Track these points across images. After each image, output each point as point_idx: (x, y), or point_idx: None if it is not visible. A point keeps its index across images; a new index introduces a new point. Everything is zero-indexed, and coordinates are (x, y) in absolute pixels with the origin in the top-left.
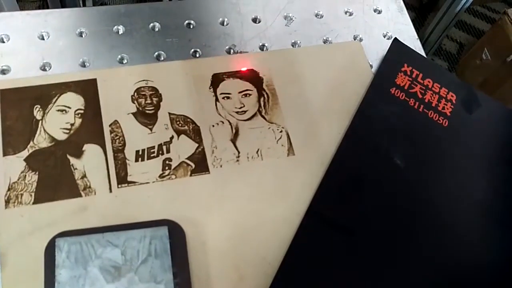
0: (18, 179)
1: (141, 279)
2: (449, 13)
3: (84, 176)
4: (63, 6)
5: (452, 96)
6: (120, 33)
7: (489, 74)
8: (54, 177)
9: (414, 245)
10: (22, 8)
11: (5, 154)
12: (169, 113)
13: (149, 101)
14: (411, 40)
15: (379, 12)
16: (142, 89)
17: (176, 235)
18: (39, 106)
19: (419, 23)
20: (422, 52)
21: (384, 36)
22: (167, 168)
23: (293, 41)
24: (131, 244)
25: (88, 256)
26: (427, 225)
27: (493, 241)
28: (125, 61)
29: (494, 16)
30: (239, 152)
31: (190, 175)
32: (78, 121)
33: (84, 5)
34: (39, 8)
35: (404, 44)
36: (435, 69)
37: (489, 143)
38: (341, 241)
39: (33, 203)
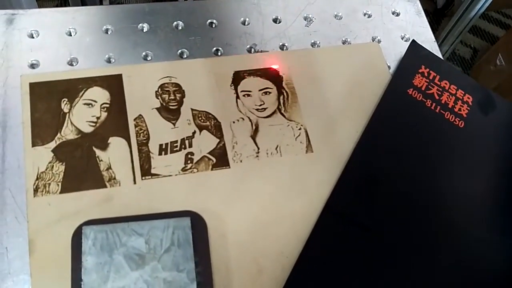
0: (46, 169)
1: (164, 267)
2: (464, 18)
3: (109, 167)
4: (83, 5)
5: (468, 98)
6: (144, 31)
7: (503, 79)
8: (80, 168)
9: (428, 243)
10: (41, 7)
11: (33, 145)
12: (192, 109)
13: (172, 97)
14: (429, 42)
15: (397, 14)
16: (166, 85)
17: (198, 226)
18: (66, 100)
19: (433, 28)
20: (439, 54)
21: (402, 38)
22: (189, 162)
23: (312, 41)
24: (155, 233)
25: (113, 244)
26: (441, 224)
27: (508, 241)
28: (149, 58)
29: (508, 22)
30: (258, 148)
31: (211, 169)
32: (104, 115)
33: (101, 3)
34: (57, 7)
35: (421, 46)
36: (452, 71)
37: (504, 144)
38: (357, 237)
39: (60, 193)
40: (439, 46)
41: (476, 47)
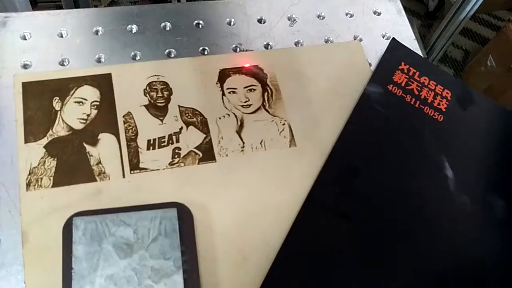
0: (38, 164)
1: (151, 255)
2: (454, 20)
3: (99, 162)
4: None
5: (447, 93)
6: (133, 31)
7: (494, 80)
8: (71, 163)
9: (409, 231)
10: None
11: (26, 141)
12: (179, 106)
13: (160, 95)
14: (409, 40)
15: (379, 14)
16: (154, 83)
17: (185, 217)
18: (57, 98)
19: (424, 30)
20: (419, 51)
21: (383, 37)
22: (176, 156)
23: (296, 40)
24: (142, 223)
25: (103, 234)
26: (420, 213)
27: (485, 232)
28: (138, 58)
29: (499, 23)
30: (244, 143)
31: (198, 163)
32: (94, 112)
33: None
34: None
35: (401, 44)
36: (431, 68)
37: (482, 137)
38: (338, 226)
39: (52, 187)
40: (431, 48)
41: (468, 49)
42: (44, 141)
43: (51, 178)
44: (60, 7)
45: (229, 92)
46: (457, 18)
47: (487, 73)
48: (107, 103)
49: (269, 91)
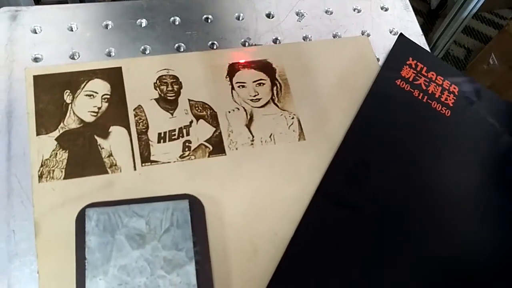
0: (50, 157)
1: (164, 246)
2: (457, 19)
3: (110, 155)
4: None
5: (454, 88)
6: (143, 26)
7: (496, 79)
8: (83, 155)
9: (416, 223)
10: None
11: (38, 134)
12: (189, 100)
13: (170, 88)
14: (416, 36)
15: (386, 9)
16: (164, 77)
17: (196, 208)
18: (68, 91)
19: (427, 28)
20: (426, 47)
21: (391, 32)
22: (187, 149)
23: (304, 35)
24: (155, 215)
25: (116, 225)
26: (427, 206)
27: (490, 226)
28: (147, 52)
29: (501, 22)
30: (253, 136)
31: (208, 156)
32: (105, 105)
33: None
34: None
35: (409, 39)
36: (439, 63)
37: (488, 131)
38: (347, 219)
39: (64, 178)
40: (433, 46)
41: (470, 47)
42: (56, 133)
43: (63, 170)
44: (64, 3)
45: (238, 86)
46: (460, 16)
47: (489, 71)
48: (117, 96)
49: (278, 85)
